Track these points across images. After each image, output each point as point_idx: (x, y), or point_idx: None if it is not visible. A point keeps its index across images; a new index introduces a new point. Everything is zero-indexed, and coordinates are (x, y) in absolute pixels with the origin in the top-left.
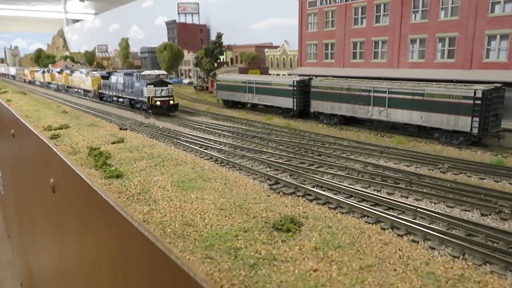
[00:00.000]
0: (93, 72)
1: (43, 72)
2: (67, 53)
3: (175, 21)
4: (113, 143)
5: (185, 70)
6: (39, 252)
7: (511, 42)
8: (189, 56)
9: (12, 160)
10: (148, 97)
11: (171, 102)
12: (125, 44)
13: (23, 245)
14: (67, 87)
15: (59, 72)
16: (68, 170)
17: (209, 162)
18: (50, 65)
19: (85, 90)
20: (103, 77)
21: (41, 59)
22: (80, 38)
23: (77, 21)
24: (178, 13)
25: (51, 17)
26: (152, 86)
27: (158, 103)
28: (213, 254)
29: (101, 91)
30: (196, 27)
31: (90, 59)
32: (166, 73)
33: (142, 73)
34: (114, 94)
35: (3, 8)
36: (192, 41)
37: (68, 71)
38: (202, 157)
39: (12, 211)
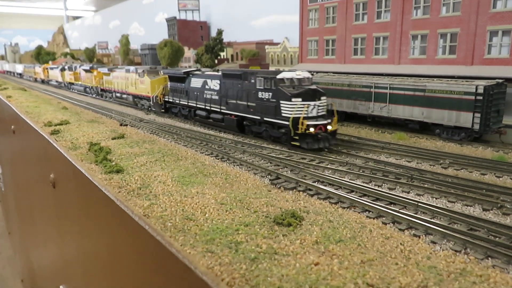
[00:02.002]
0: (152, 69)
1: (63, 69)
2: (67, 50)
3: (175, 17)
4: (114, 138)
5: (185, 67)
6: (39, 248)
7: None
8: (189, 52)
9: (13, 156)
10: (293, 120)
11: (330, 127)
12: (125, 41)
13: (24, 241)
14: (102, 90)
15: (87, 71)
16: (68, 165)
17: (210, 158)
18: (72, 62)
19: (136, 97)
20: (172, 79)
21: (41, 56)
22: (80, 35)
23: (77, 18)
24: (179, 10)
25: (52, 14)
26: (300, 99)
27: (311, 129)
28: (214, 248)
29: (169, 99)
30: (196, 23)
31: (91, 56)
32: (310, 75)
33: (279, 76)
34: (199, 105)
35: (3, 5)
36: (193, 38)
37: (103, 69)
38: (202, 153)
39: (12, 208)
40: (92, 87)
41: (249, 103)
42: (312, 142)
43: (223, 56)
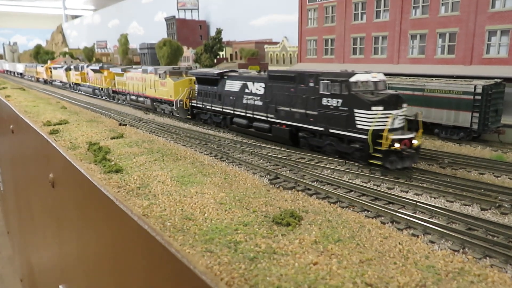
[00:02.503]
0: (175, 70)
1: (68, 69)
2: (66, 49)
3: (174, 17)
4: (113, 138)
5: (190, 67)
6: (39, 248)
7: (511, 38)
8: (188, 52)
9: (12, 156)
10: (372, 133)
11: (415, 141)
12: (124, 40)
13: (23, 241)
14: (114, 92)
15: (96, 71)
16: (68, 165)
17: (209, 157)
18: (71, 62)
19: (155, 100)
20: (201, 81)
21: (40, 55)
22: (79, 34)
23: (76, 17)
24: (178, 9)
25: (51, 13)
26: (381, 108)
27: (396, 145)
28: (213, 247)
29: (197, 104)
30: (195, 23)
31: (89, 56)
32: (385, 77)
33: (352, 79)
34: (238, 112)
35: (3, 4)
36: (192, 37)
37: (116, 69)
38: (201, 152)
39: (12, 207)
40: (102, 88)
41: (308, 111)
42: (397, 160)
43: (222, 55)
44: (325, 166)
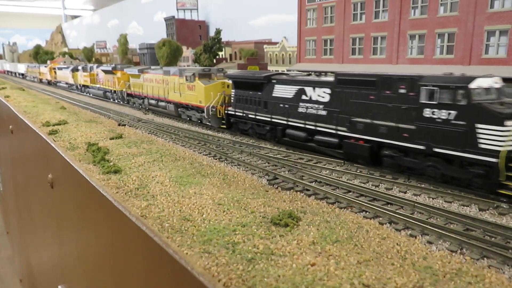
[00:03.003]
0: (205, 72)
1: (75, 70)
2: (65, 50)
3: (174, 17)
4: (112, 138)
5: (184, 66)
6: (38, 248)
7: (510, 38)
8: (188, 52)
9: (11, 156)
10: (506, 155)
11: None
12: (123, 40)
13: (23, 241)
14: (129, 95)
15: (108, 72)
16: (66, 166)
17: (208, 158)
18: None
19: (180, 106)
20: (239, 85)
21: (39, 55)
22: (78, 34)
23: (75, 17)
24: (177, 9)
25: (50, 13)
26: None
27: None
28: (211, 248)
29: (235, 111)
30: (195, 23)
31: (89, 56)
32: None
33: (472, 85)
34: (293, 122)
35: (2, 4)
36: (191, 37)
37: (132, 70)
38: (200, 153)
39: (11, 207)
40: (115, 91)
41: (400, 125)
42: None
43: (222, 55)
44: (323, 166)
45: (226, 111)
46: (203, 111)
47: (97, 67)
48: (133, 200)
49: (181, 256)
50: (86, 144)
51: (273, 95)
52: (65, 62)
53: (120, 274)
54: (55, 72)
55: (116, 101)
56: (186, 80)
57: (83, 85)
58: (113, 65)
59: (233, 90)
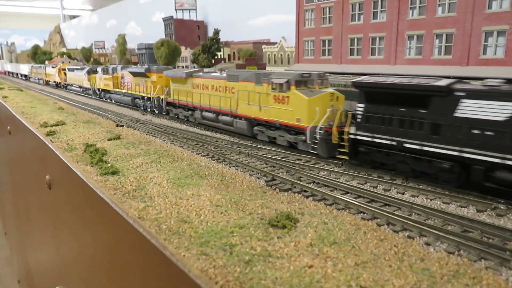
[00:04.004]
0: (304, 77)
1: (92, 71)
2: (64, 50)
3: (172, 17)
4: (110, 139)
5: (183, 67)
6: (36, 249)
7: (508, 39)
8: (186, 52)
9: (9, 157)
10: None
11: None
12: (122, 41)
13: (21, 242)
14: (169, 104)
15: (139, 74)
16: (64, 167)
17: (206, 159)
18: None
19: (261, 124)
20: (375, 98)
21: (37, 55)
22: (77, 35)
23: (74, 17)
24: (176, 9)
25: (48, 13)
26: None
27: None
28: (208, 250)
29: (368, 136)
30: (193, 23)
31: (87, 56)
32: None
33: None
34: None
35: (0, 4)
36: (190, 38)
37: (175, 73)
38: (198, 154)
39: (9, 208)
40: (148, 98)
41: None
42: None
43: (220, 55)
44: (321, 167)
45: (351, 136)
46: (300, 133)
47: (123, 68)
48: (131, 202)
49: (178, 258)
50: (84, 145)
51: (457, 115)
52: (63, 62)
53: (117, 275)
54: (65, 73)
55: (150, 110)
56: (273, 89)
57: (103, 90)
58: (146, 66)
59: (362, 105)
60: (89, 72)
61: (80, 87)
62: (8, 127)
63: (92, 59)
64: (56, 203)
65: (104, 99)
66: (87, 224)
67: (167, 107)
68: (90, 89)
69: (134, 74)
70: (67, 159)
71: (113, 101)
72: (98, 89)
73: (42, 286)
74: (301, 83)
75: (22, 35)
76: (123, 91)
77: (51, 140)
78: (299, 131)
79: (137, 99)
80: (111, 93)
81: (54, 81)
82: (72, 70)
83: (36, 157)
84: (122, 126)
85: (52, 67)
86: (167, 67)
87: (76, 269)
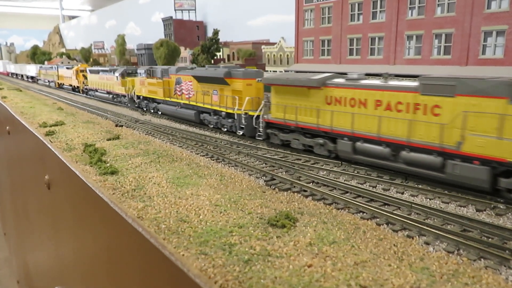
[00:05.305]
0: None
1: (126, 74)
2: (63, 50)
3: (171, 17)
4: (109, 139)
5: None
6: (35, 249)
7: (507, 39)
8: (185, 52)
9: (8, 157)
10: None
11: None
12: (121, 41)
13: (20, 242)
14: (270, 125)
15: (206, 79)
16: (63, 167)
17: (205, 159)
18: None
19: None
20: None
21: (37, 55)
22: (76, 35)
23: (73, 17)
24: (175, 10)
25: (48, 14)
26: None
27: None
28: (207, 250)
29: None
30: (193, 23)
31: (86, 56)
32: None
33: None
34: None
35: (0, 4)
36: (189, 38)
37: (284, 79)
38: (197, 154)
39: (8, 209)
40: (230, 114)
41: None
42: None
43: (220, 56)
44: (321, 167)
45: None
46: None
47: (179, 70)
48: (130, 202)
49: (177, 257)
50: (83, 145)
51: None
52: (62, 62)
53: (116, 275)
54: (84, 75)
55: (230, 130)
56: None
57: (146, 98)
58: (226, 70)
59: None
60: (123, 75)
61: (108, 93)
62: (7, 127)
63: (91, 59)
64: (55, 203)
65: (145, 110)
66: (86, 224)
67: (269, 131)
68: (124, 96)
69: (201, 78)
70: (66, 159)
71: (160, 112)
72: (138, 97)
73: (41, 287)
74: None
75: (21, 35)
76: (181, 102)
77: (50, 140)
78: None
79: (206, 114)
80: (161, 104)
81: (70, 85)
82: (96, 71)
83: (35, 157)
84: (122, 126)
85: (67, 67)
86: (258, 70)
87: (75, 269)
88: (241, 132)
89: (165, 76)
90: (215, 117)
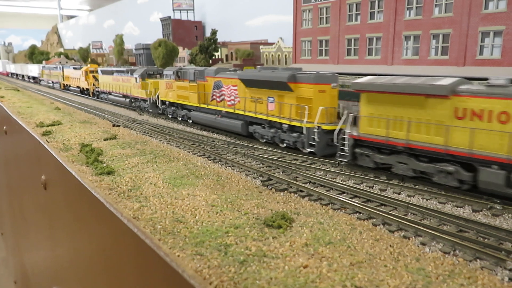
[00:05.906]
0: None
1: (147, 75)
2: (61, 50)
3: (170, 17)
4: (106, 139)
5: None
6: (32, 249)
7: (504, 39)
8: (184, 52)
9: (5, 158)
10: None
11: None
12: (119, 41)
13: (17, 242)
14: (382, 151)
15: (258, 83)
16: (59, 167)
17: (202, 159)
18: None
19: None
20: None
21: (35, 55)
22: (74, 35)
23: (71, 17)
24: (173, 10)
25: (46, 13)
26: None
27: None
28: (203, 250)
29: None
30: (191, 23)
31: (85, 56)
32: None
33: None
34: None
35: None
36: (187, 38)
37: (379, 84)
38: (194, 154)
39: (5, 209)
40: (292, 127)
41: None
42: None
43: (218, 56)
44: (318, 167)
45: None
46: None
47: (218, 72)
48: (126, 202)
49: (172, 258)
50: (79, 145)
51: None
52: (60, 62)
53: (112, 276)
54: (94, 77)
55: (305, 148)
56: None
57: (173, 104)
58: (290, 73)
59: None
60: (143, 76)
61: (125, 96)
62: (4, 127)
63: (89, 59)
64: (51, 204)
65: (170, 116)
66: (82, 224)
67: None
68: (145, 100)
69: (251, 82)
70: (63, 159)
71: (190, 120)
72: (163, 102)
73: (38, 287)
74: None
75: (19, 35)
76: (223, 109)
77: (46, 140)
78: None
79: (257, 126)
80: (190, 110)
81: (78, 87)
82: (110, 72)
83: (32, 157)
84: (119, 126)
85: (74, 68)
86: (332, 73)
87: (71, 269)
88: (308, 150)
89: (199, 79)
90: (271, 130)
